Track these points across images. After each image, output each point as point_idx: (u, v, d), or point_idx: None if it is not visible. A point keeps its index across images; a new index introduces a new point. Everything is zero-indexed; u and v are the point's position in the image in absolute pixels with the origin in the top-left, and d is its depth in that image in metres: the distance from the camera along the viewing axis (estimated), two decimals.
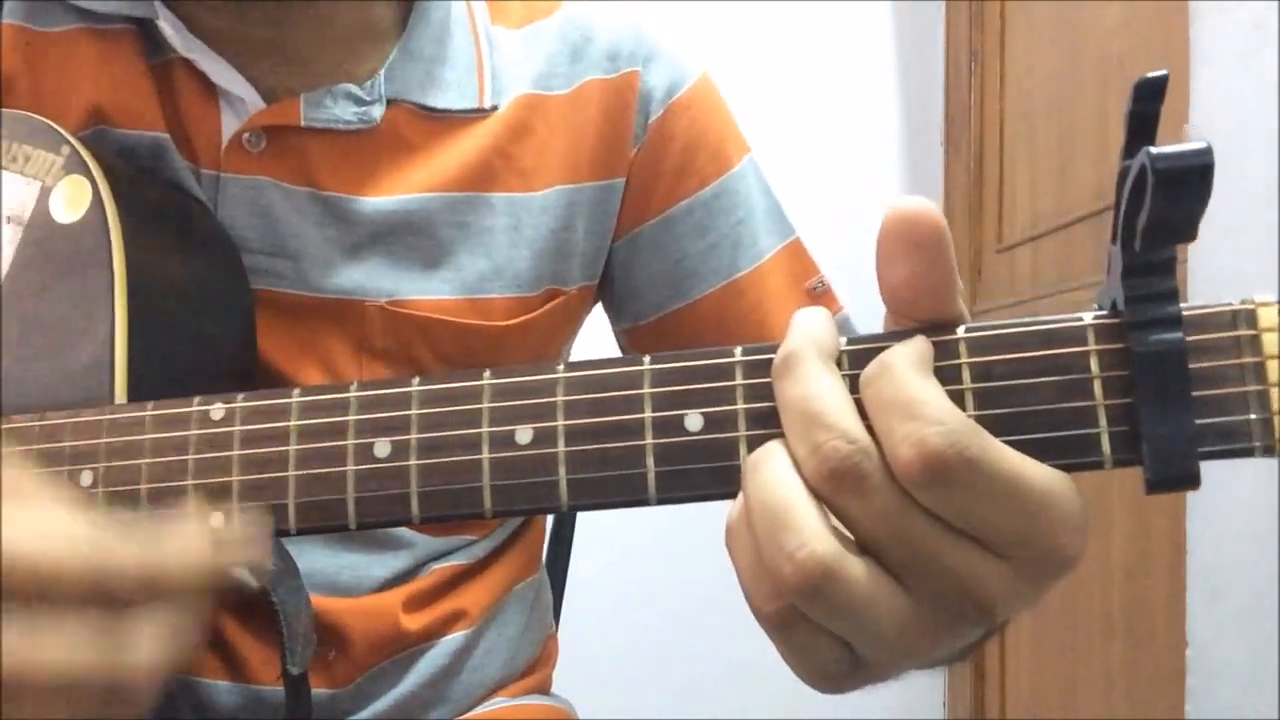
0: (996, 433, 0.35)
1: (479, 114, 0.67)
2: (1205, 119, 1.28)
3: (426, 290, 0.65)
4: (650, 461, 0.40)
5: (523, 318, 0.68)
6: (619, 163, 0.70)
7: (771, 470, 0.37)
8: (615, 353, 0.76)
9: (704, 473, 0.39)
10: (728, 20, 2.20)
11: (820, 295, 0.72)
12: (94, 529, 0.37)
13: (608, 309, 0.76)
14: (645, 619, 2.12)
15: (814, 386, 0.37)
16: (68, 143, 0.55)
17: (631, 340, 0.75)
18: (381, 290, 0.64)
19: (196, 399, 0.46)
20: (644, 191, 0.71)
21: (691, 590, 2.00)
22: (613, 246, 0.72)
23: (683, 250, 0.71)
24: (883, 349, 0.37)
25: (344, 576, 0.65)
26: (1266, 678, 1.16)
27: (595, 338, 0.77)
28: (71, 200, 0.54)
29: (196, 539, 0.38)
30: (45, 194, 0.55)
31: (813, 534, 0.35)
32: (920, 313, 0.38)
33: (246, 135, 0.62)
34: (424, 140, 0.66)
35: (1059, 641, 1.75)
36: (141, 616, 0.37)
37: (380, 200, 0.64)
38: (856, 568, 0.35)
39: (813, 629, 0.37)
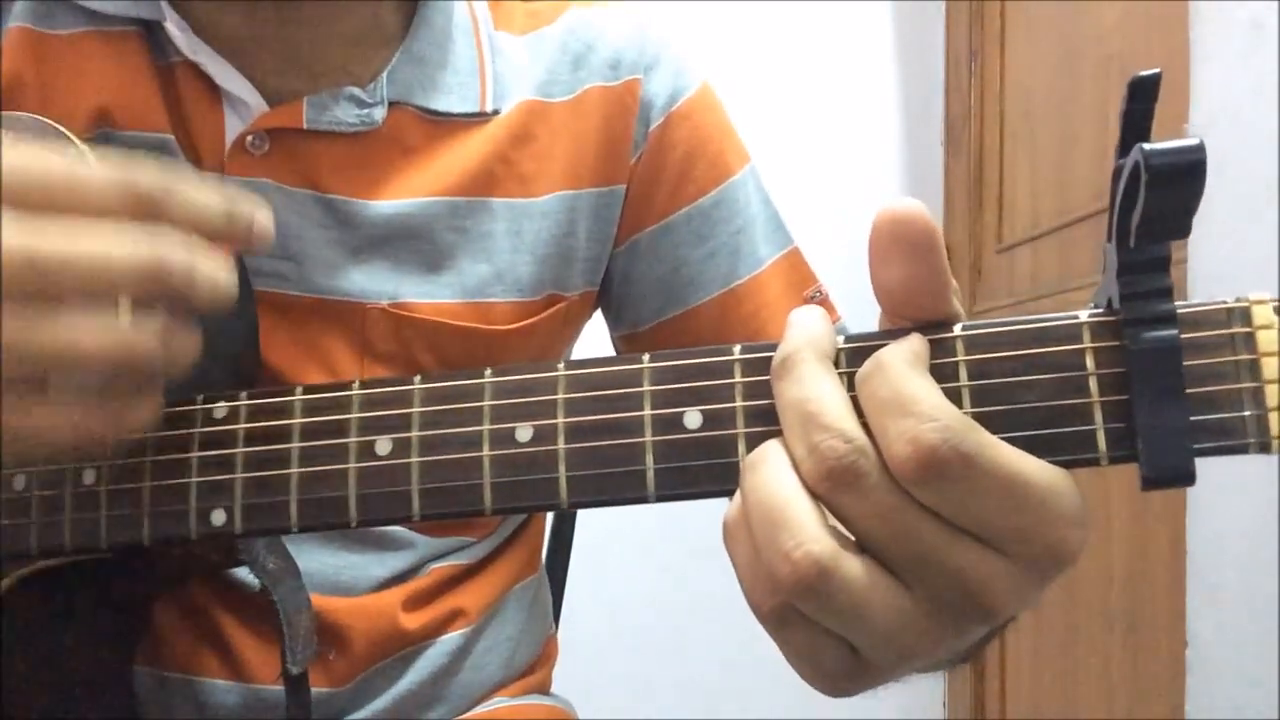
0: (993, 430, 0.36)
1: (480, 118, 0.68)
2: (1205, 119, 1.28)
3: (428, 294, 0.65)
4: (649, 459, 0.40)
5: (524, 322, 0.68)
6: (619, 169, 0.71)
7: (769, 470, 0.37)
8: None
9: (703, 470, 0.40)
10: (728, 20, 2.21)
11: (818, 305, 0.73)
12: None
13: (606, 315, 0.76)
14: (645, 619, 2.12)
15: (811, 387, 0.37)
16: (74, 145, 0.55)
17: (629, 346, 0.76)
18: (383, 293, 0.64)
19: (200, 397, 0.46)
20: (644, 198, 0.71)
21: (691, 590, 2.00)
22: (613, 253, 0.72)
23: (681, 258, 0.72)
24: (879, 347, 0.38)
25: (344, 576, 0.65)
26: (1266, 678, 1.16)
27: (594, 342, 0.77)
28: None
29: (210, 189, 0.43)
30: None
31: (809, 533, 0.35)
32: (915, 313, 0.39)
33: (250, 137, 0.62)
34: (426, 143, 0.66)
35: (1059, 641, 1.75)
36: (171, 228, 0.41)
37: (382, 204, 0.64)
38: (854, 566, 0.36)
39: (812, 628, 0.37)
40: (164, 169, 0.42)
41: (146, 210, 0.41)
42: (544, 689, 0.77)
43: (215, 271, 0.42)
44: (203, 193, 0.43)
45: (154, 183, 0.41)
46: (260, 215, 0.45)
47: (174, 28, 0.62)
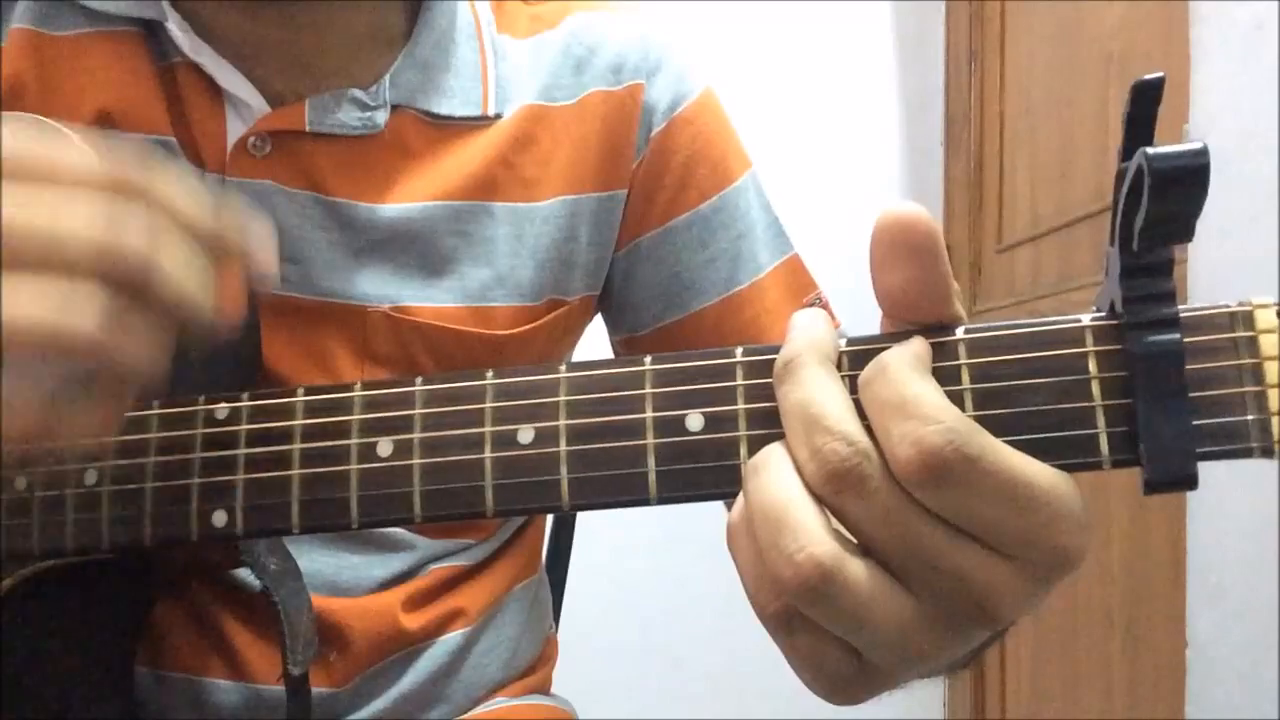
0: (995, 433, 0.36)
1: (482, 122, 0.68)
2: (1205, 119, 1.28)
3: (429, 298, 0.65)
4: (651, 461, 0.40)
5: (525, 327, 0.68)
6: (621, 174, 0.71)
7: (772, 473, 0.37)
8: None
9: (705, 472, 0.40)
10: (728, 21, 2.21)
11: None
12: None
13: (606, 319, 0.76)
14: (645, 619, 2.12)
15: (814, 390, 0.37)
16: None
17: (629, 351, 0.76)
18: (384, 296, 0.64)
19: (201, 398, 0.46)
20: (645, 203, 0.71)
21: (692, 590, 2.00)
22: (613, 257, 0.72)
23: (682, 263, 0.72)
24: (882, 349, 0.38)
25: (344, 576, 0.65)
26: (1266, 678, 1.17)
27: (594, 347, 0.77)
28: None
29: (198, 190, 0.40)
30: None
31: (812, 536, 0.35)
32: (917, 316, 0.39)
33: (252, 139, 0.62)
34: (427, 147, 0.66)
35: (1059, 642, 1.75)
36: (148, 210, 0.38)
37: (384, 207, 0.64)
38: (857, 570, 0.36)
39: (816, 632, 0.37)
40: (152, 161, 0.39)
41: (122, 193, 0.38)
42: (544, 689, 0.77)
43: (180, 266, 0.38)
44: (189, 185, 0.40)
45: (134, 166, 0.38)
46: (258, 225, 0.42)
47: (176, 28, 0.62)
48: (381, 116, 0.64)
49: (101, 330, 0.36)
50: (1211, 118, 1.27)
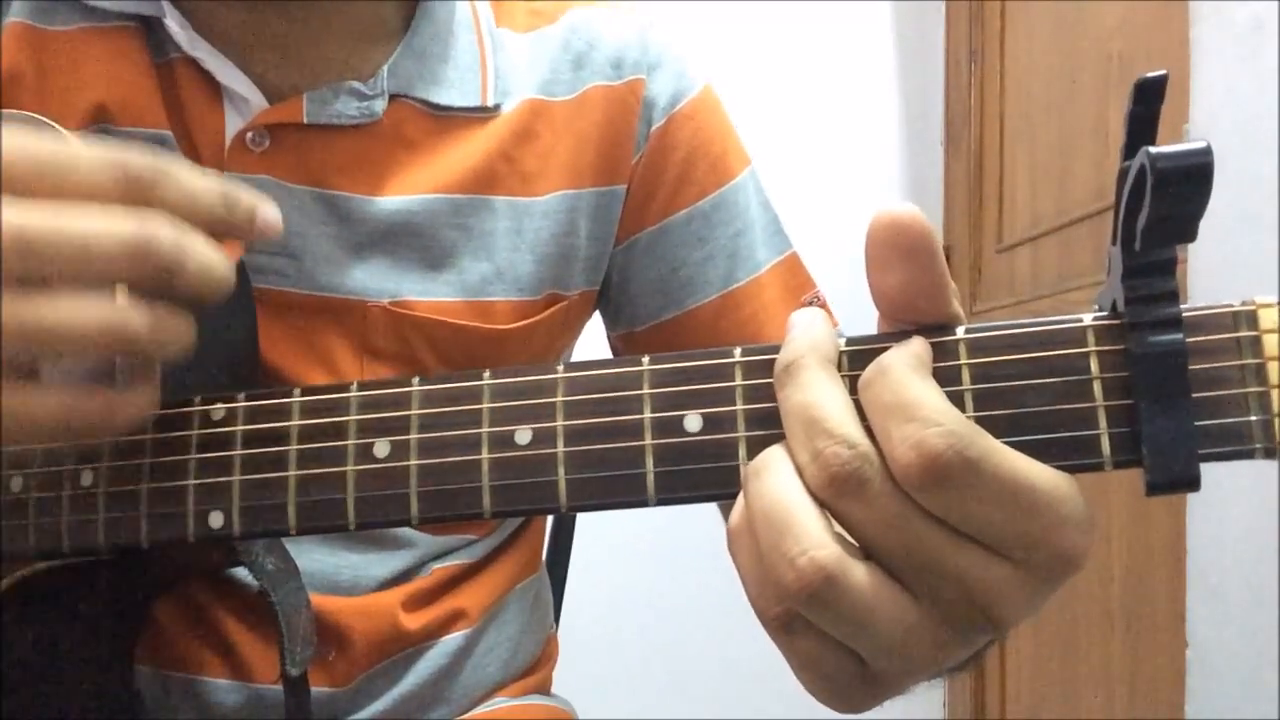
0: (996, 434, 0.35)
1: (481, 113, 0.67)
2: (1205, 119, 1.28)
3: (428, 292, 0.65)
4: (650, 462, 0.40)
5: (524, 321, 0.68)
6: (621, 169, 0.70)
7: (773, 476, 0.37)
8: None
9: (703, 473, 0.39)
10: (728, 21, 2.21)
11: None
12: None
13: (604, 314, 0.76)
14: (645, 619, 2.12)
15: (815, 392, 0.37)
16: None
17: (626, 347, 0.76)
18: (384, 291, 0.64)
19: (197, 399, 0.46)
20: (644, 199, 0.71)
21: (692, 590, 2.00)
22: (612, 252, 0.72)
23: (680, 259, 0.72)
24: (882, 350, 0.37)
25: (343, 576, 0.65)
26: (1266, 678, 1.16)
27: (594, 343, 0.77)
28: None
29: (207, 178, 0.42)
30: None
31: (814, 540, 0.35)
32: (914, 316, 0.38)
33: (250, 134, 0.62)
34: (427, 139, 0.66)
35: (1059, 641, 1.75)
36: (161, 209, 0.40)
37: (384, 200, 0.64)
38: (859, 573, 0.35)
39: (818, 636, 0.37)
40: (158, 157, 0.41)
41: (137, 193, 0.40)
42: (544, 689, 0.77)
43: (206, 256, 0.41)
44: (197, 178, 0.42)
45: (145, 165, 0.41)
46: (264, 206, 0.44)
47: (174, 24, 0.62)
48: (380, 105, 0.64)
49: (148, 329, 0.40)
50: (1211, 118, 1.27)
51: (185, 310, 0.42)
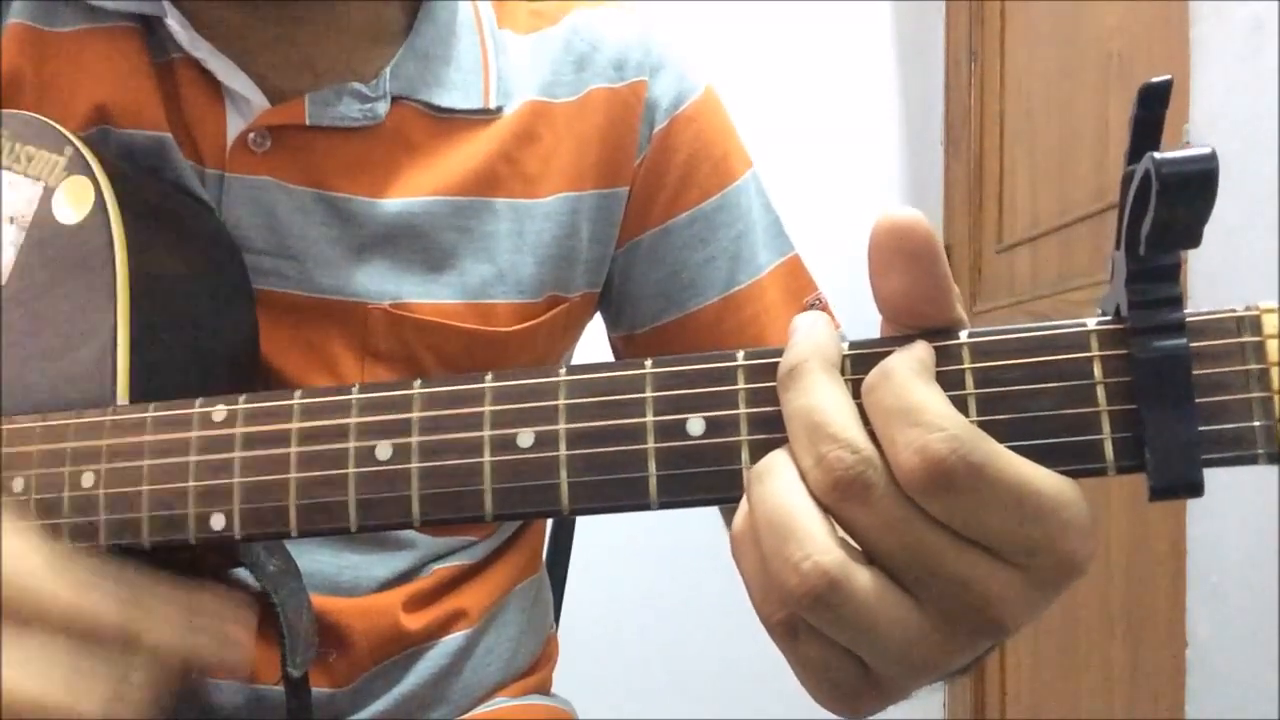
0: (1000, 439, 0.35)
1: (484, 115, 0.67)
2: (1206, 119, 1.28)
3: (429, 294, 0.65)
4: (652, 466, 0.40)
5: (525, 324, 0.67)
6: (623, 171, 0.70)
7: (776, 480, 0.37)
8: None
9: (706, 477, 0.39)
10: (728, 21, 2.20)
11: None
12: (77, 567, 0.41)
13: (605, 316, 0.76)
14: (645, 619, 2.12)
15: (819, 397, 0.37)
16: (70, 143, 0.55)
17: (627, 349, 0.75)
18: (384, 293, 0.64)
19: (198, 401, 0.46)
20: (646, 201, 0.71)
21: (692, 590, 2.00)
22: (613, 254, 0.72)
23: (681, 261, 0.71)
24: (885, 353, 0.37)
25: (344, 577, 0.65)
26: (1266, 678, 1.16)
27: (595, 344, 0.77)
28: (74, 201, 0.54)
29: (177, 615, 0.43)
30: (48, 195, 0.55)
31: (817, 545, 0.35)
32: (917, 321, 0.38)
33: (252, 135, 0.62)
34: (429, 140, 0.66)
35: (1059, 641, 1.75)
36: (112, 662, 0.41)
37: (385, 203, 0.64)
38: (863, 578, 0.35)
39: (821, 640, 0.37)
40: (133, 586, 0.42)
41: (95, 641, 0.41)
42: (544, 689, 0.77)
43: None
44: (169, 622, 0.43)
45: (113, 617, 0.41)
46: (233, 629, 0.45)
47: (175, 24, 0.62)
48: (382, 107, 0.64)
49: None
50: (1211, 118, 1.27)
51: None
